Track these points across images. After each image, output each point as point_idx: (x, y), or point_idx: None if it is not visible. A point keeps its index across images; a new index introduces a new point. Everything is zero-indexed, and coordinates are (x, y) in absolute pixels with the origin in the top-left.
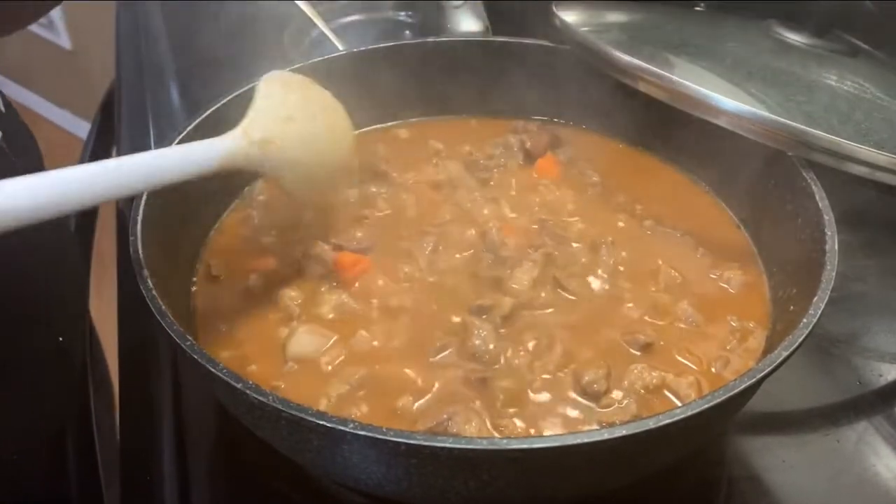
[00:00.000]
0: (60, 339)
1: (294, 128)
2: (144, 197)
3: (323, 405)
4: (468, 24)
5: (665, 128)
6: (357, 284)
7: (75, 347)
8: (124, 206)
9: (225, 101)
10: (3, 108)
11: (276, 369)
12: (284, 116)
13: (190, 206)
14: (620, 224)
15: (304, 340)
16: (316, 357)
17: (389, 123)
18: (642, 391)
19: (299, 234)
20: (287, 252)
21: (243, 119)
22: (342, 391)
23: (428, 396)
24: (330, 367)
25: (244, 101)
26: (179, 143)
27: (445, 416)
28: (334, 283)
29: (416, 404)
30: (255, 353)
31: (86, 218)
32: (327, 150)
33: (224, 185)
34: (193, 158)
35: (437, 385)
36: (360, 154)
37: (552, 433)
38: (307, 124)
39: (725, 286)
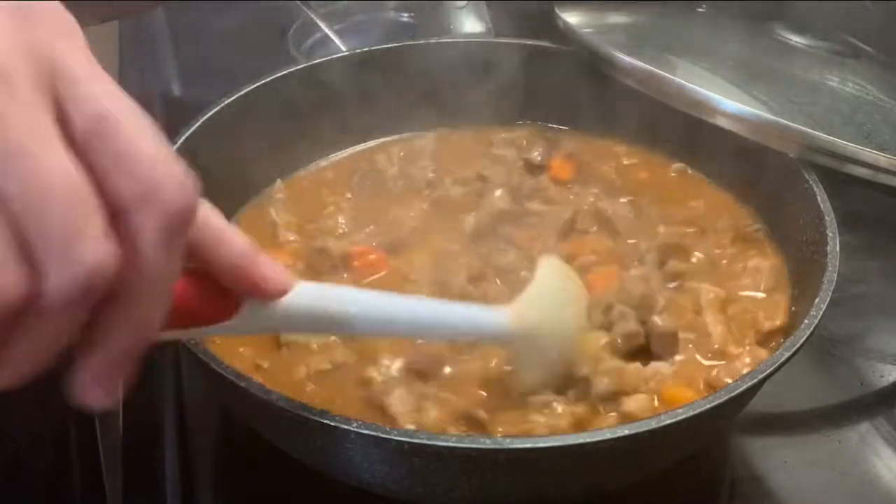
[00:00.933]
0: None
1: (557, 324)
2: None
3: (302, 373)
4: (471, 25)
5: (666, 129)
6: (369, 280)
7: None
8: None
9: (227, 101)
10: None
11: (266, 352)
12: (555, 313)
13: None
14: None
15: None
16: (307, 341)
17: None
18: None
19: (317, 230)
20: (302, 249)
21: (520, 301)
22: (323, 367)
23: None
24: (316, 346)
25: (246, 102)
26: (185, 141)
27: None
28: (344, 275)
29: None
30: (249, 337)
31: None
32: (567, 346)
33: (241, 182)
34: (479, 324)
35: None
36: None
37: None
38: (564, 315)
39: None
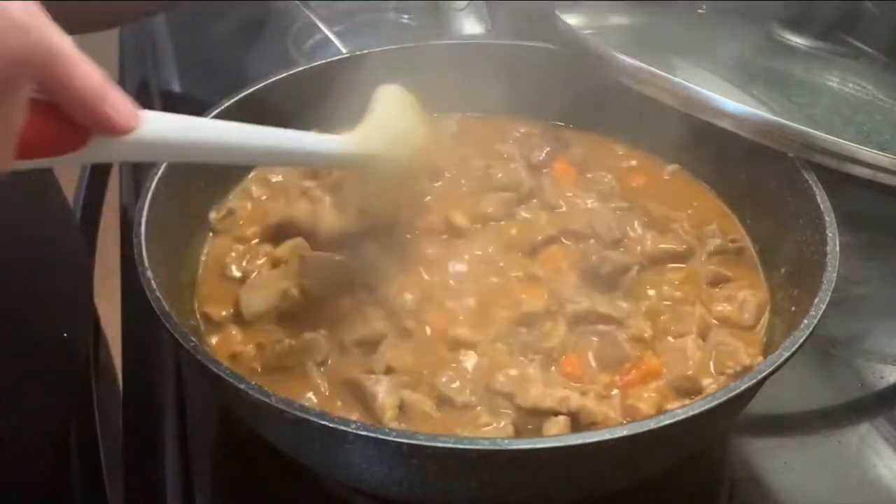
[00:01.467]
0: (64, 334)
1: (397, 144)
2: (148, 198)
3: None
4: (471, 26)
5: (667, 130)
6: None
7: (79, 343)
8: (128, 205)
9: (228, 103)
10: None
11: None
12: (393, 136)
13: (191, 206)
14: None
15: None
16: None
17: None
18: None
19: None
20: None
21: (360, 126)
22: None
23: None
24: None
25: (247, 104)
26: None
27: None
28: None
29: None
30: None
31: (89, 213)
32: (413, 165)
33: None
34: (320, 149)
35: None
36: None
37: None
38: (406, 141)
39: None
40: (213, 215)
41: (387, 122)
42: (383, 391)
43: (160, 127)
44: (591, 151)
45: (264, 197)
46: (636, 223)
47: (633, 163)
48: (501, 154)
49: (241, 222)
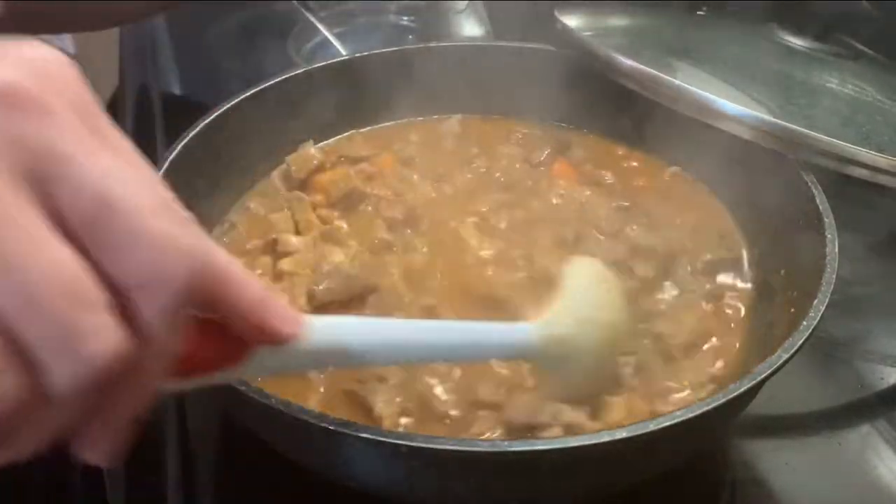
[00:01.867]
0: None
1: (591, 328)
2: None
3: None
4: (470, 28)
5: (667, 131)
6: None
7: None
8: None
9: (229, 105)
10: None
11: None
12: (586, 316)
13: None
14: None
15: None
16: None
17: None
18: None
19: None
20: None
21: (549, 308)
22: None
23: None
24: None
25: (249, 107)
26: (184, 146)
27: None
28: None
29: None
30: None
31: None
32: (610, 345)
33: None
34: (509, 341)
35: None
36: None
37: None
38: (601, 320)
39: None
40: (216, 231)
41: (579, 300)
42: (381, 402)
43: (328, 332)
44: (592, 152)
45: (263, 211)
46: (634, 225)
47: (634, 164)
48: (504, 154)
49: (243, 231)
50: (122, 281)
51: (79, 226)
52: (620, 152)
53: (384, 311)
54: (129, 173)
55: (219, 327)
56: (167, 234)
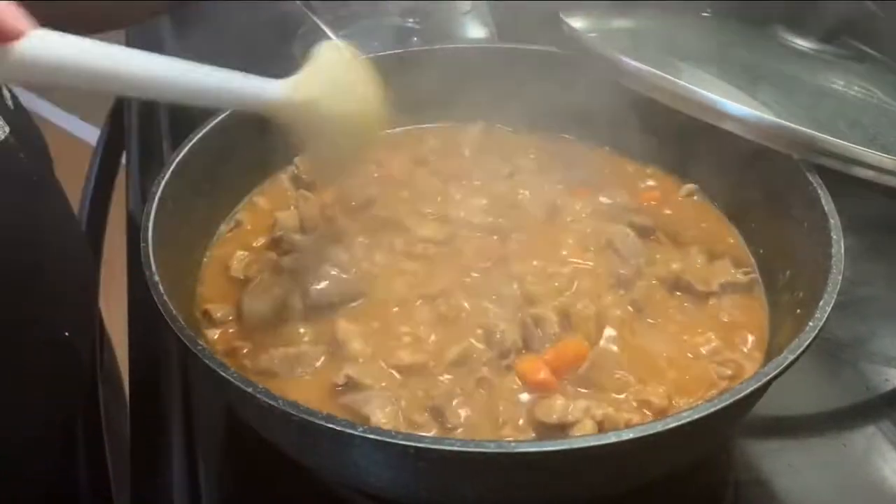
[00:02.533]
0: (66, 333)
1: (336, 94)
2: (156, 203)
3: None
4: (475, 30)
5: (672, 133)
6: None
7: (81, 343)
8: (135, 209)
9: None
10: (11, 105)
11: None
12: (331, 81)
13: (200, 208)
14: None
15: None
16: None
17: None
18: None
19: None
20: None
21: (296, 75)
22: None
23: None
24: None
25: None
26: (192, 146)
27: None
28: None
29: None
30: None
31: (96, 214)
32: (358, 121)
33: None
34: (250, 90)
35: None
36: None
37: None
38: (347, 93)
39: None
40: (222, 227)
41: (327, 71)
42: (375, 410)
43: (52, 45)
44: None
45: (269, 208)
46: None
47: (649, 176)
48: (523, 168)
49: (249, 227)
50: None
51: None
52: (621, 156)
53: (372, 315)
54: None
55: None
56: None
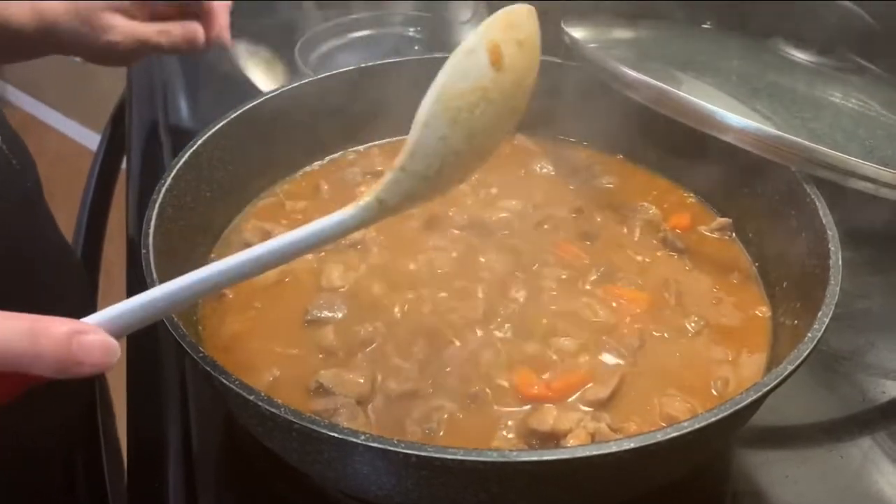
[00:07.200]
0: None
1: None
2: (156, 209)
3: None
4: None
5: (670, 144)
6: None
7: None
8: (134, 215)
9: (235, 115)
10: None
11: None
12: (440, 138)
13: (200, 217)
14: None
15: None
16: None
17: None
18: None
19: None
20: None
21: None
22: None
23: None
24: None
25: (253, 114)
26: (194, 152)
27: None
28: None
29: None
30: None
31: (95, 219)
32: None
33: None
34: (343, 225)
35: None
36: None
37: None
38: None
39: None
40: (224, 233)
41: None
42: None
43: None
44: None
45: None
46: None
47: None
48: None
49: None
50: None
51: None
52: (623, 163)
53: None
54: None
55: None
56: None
